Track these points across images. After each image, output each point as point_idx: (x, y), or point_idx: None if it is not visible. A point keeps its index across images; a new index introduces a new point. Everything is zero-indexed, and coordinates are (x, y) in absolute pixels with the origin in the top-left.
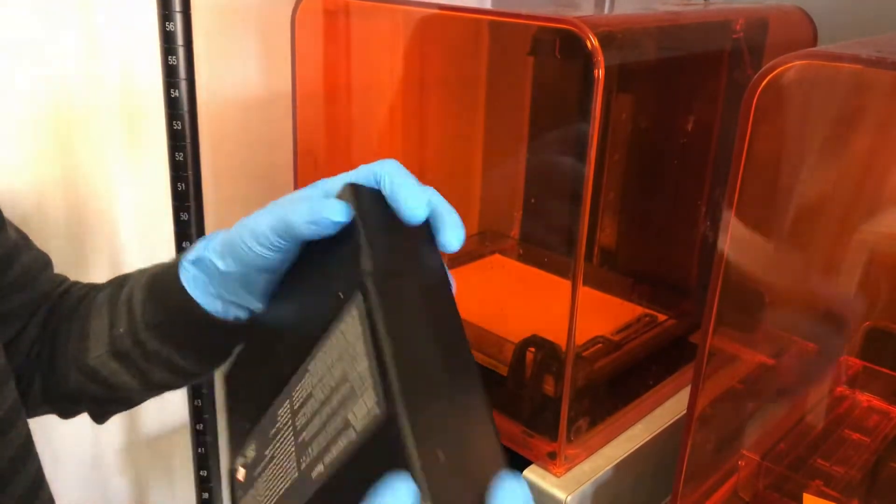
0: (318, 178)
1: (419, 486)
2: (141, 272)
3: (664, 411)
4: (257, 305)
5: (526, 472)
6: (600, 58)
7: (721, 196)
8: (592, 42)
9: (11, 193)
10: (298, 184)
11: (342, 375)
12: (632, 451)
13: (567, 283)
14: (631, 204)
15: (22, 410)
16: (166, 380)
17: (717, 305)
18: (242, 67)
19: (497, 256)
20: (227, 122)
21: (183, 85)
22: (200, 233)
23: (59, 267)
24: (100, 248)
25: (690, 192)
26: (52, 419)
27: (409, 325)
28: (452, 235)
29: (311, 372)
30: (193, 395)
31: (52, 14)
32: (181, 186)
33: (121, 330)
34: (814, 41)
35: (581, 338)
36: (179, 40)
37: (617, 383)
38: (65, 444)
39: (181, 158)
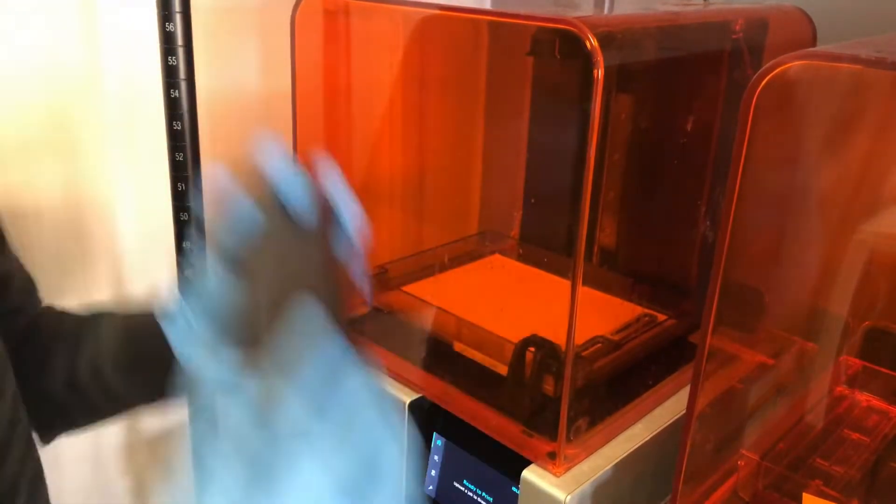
0: None
1: None
2: (115, 318)
3: (664, 411)
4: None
5: (525, 472)
6: (600, 58)
7: (721, 196)
8: (592, 42)
9: (12, 194)
10: None
11: None
12: (631, 450)
13: (567, 283)
14: (631, 204)
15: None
16: (112, 411)
17: (717, 305)
18: (242, 67)
19: (497, 256)
20: (227, 123)
21: (183, 85)
22: (201, 233)
23: (60, 267)
24: (100, 248)
25: (690, 192)
26: None
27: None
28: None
29: None
30: None
31: (52, 15)
32: (181, 186)
33: (83, 362)
34: (813, 41)
35: (581, 337)
36: (179, 41)
37: (616, 383)
38: (65, 444)
39: (181, 158)
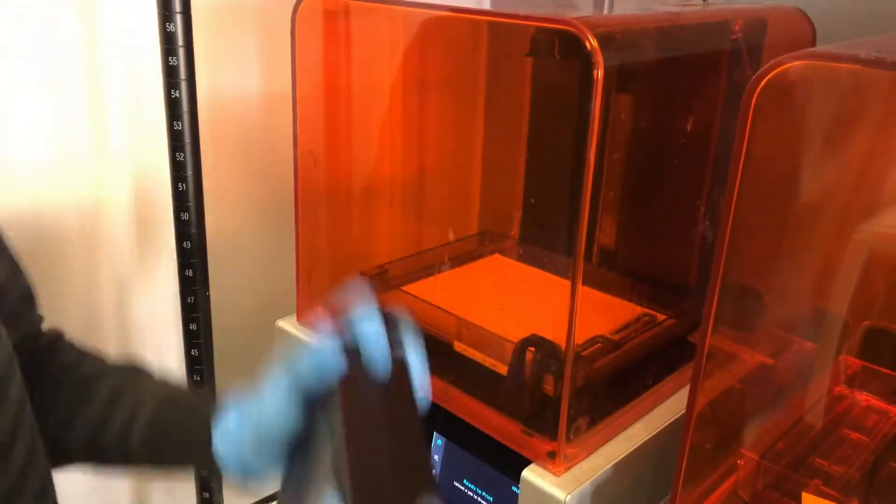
0: (318, 178)
1: None
2: (152, 387)
3: (663, 411)
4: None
5: (525, 472)
6: (599, 58)
7: (720, 196)
8: (591, 42)
9: (10, 195)
10: (299, 184)
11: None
12: (631, 450)
13: (567, 283)
14: (630, 204)
15: (28, 412)
16: (125, 471)
17: (717, 305)
18: (242, 68)
19: (497, 256)
20: (228, 123)
21: (183, 85)
22: (201, 232)
23: (60, 266)
24: (100, 248)
25: (690, 192)
26: None
27: (367, 441)
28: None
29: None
30: None
31: (53, 15)
32: (181, 186)
33: (115, 430)
34: (812, 41)
35: (580, 337)
36: (180, 41)
37: (616, 383)
38: None
39: (181, 158)
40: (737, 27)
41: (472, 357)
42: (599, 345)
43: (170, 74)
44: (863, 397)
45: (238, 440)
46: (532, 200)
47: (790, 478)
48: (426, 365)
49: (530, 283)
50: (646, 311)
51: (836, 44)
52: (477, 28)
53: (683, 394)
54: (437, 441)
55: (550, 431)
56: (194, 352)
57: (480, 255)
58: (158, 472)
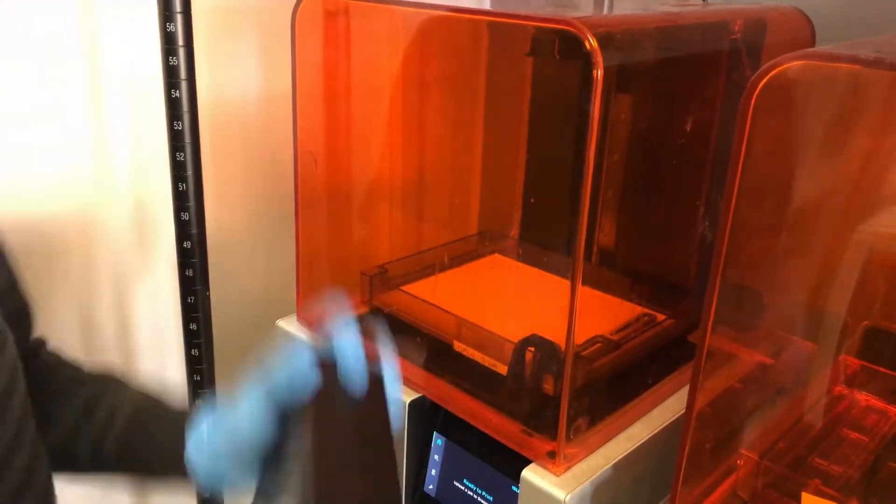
0: (318, 178)
1: None
2: (128, 395)
3: (663, 410)
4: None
5: (525, 471)
6: (599, 58)
7: (719, 196)
8: (591, 42)
9: (11, 195)
10: (298, 183)
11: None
12: (631, 450)
13: (566, 283)
14: (630, 204)
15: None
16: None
17: (716, 305)
18: (242, 68)
19: (497, 256)
20: (228, 123)
21: (183, 85)
22: (201, 232)
23: (61, 266)
24: (100, 248)
25: (689, 192)
26: None
27: (335, 456)
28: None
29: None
30: (193, 396)
31: (52, 15)
32: (181, 186)
33: (90, 437)
34: (812, 41)
35: (580, 337)
36: (180, 41)
37: (616, 382)
38: None
39: (181, 158)
40: (736, 27)
41: (471, 357)
42: (599, 345)
43: (170, 74)
44: (862, 397)
45: (211, 450)
46: (532, 200)
47: (790, 478)
48: (400, 380)
49: (530, 282)
50: (645, 310)
51: (835, 44)
52: (477, 28)
53: (683, 394)
54: (437, 441)
55: (550, 431)
56: (194, 352)
57: (480, 255)
58: (131, 480)
